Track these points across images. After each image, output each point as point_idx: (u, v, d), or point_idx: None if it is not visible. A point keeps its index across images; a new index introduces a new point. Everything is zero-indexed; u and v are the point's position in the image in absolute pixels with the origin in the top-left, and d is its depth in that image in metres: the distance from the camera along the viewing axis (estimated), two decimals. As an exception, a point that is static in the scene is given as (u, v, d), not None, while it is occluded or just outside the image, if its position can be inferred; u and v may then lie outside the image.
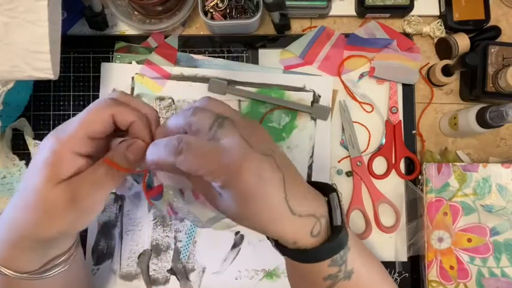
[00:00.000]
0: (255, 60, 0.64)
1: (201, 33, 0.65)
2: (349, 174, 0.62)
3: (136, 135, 0.35)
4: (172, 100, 0.62)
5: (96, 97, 0.62)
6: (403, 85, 0.63)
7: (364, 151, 0.63)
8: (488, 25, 0.63)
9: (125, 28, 0.64)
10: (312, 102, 0.62)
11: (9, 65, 0.45)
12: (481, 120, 0.56)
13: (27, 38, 0.44)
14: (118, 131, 0.36)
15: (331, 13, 0.64)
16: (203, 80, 0.62)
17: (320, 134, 0.62)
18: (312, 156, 0.61)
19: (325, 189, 0.38)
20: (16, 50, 0.44)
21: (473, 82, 0.61)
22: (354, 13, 0.65)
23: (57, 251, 0.38)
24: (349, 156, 0.62)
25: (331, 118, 0.62)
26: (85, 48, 0.63)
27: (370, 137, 0.63)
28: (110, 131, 0.35)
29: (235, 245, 0.60)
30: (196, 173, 0.31)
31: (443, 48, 0.64)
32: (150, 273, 0.59)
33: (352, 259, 0.37)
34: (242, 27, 0.62)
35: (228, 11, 0.61)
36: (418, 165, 0.61)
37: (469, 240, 0.58)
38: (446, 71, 0.61)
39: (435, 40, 0.65)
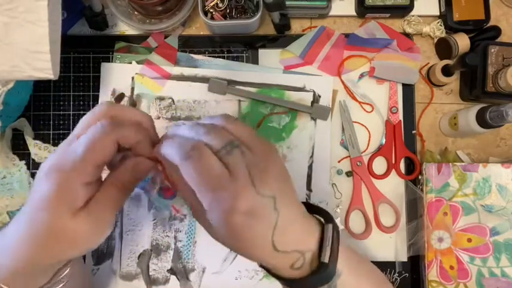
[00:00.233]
0: (255, 60, 0.64)
1: (201, 33, 0.65)
2: (349, 174, 0.62)
3: (140, 153, 0.34)
4: (172, 100, 0.62)
5: (96, 97, 0.62)
6: (403, 85, 0.63)
7: (364, 151, 0.63)
8: (488, 25, 0.63)
9: (125, 28, 0.64)
10: (312, 102, 0.62)
11: (9, 65, 0.45)
12: (481, 120, 0.56)
13: (27, 38, 0.44)
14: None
15: (331, 13, 0.64)
16: (203, 80, 0.62)
17: (320, 134, 0.62)
18: (312, 156, 0.61)
19: (324, 217, 0.37)
20: (16, 50, 0.44)
21: (473, 82, 0.61)
22: (354, 13, 0.65)
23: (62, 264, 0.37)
24: (349, 156, 0.62)
25: (331, 118, 0.62)
26: (85, 48, 0.63)
27: (370, 137, 0.63)
28: (114, 155, 0.33)
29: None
30: (191, 185, 0.30)
31: (443, 48, 0.64)
32: (150, 273, 0.59)
33: (344, 284, 0.36)
34: (242, 27, 0.62)
35: (228, 11, 0.61)
36: (418, 165, 0.61)
37: (469, 240, 0.58)
38: (446, 71, 0.61)
39: (435, 40, 0.65)
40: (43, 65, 0.45)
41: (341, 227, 0.61)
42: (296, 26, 0.65)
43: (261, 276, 0.59)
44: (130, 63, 0.62)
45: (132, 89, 0.62)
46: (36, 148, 0.60)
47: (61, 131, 0.61)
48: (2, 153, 0.59)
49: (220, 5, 0.60)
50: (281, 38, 0.64)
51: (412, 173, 0.62)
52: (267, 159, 0.32)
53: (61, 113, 0.62)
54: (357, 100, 0.63)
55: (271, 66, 0.63)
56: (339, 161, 0.62)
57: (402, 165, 0.62)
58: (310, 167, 0.61)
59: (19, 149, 0.61)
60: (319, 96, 0.62)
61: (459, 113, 0.60)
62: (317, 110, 0.61)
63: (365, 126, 0.63)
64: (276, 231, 0.32)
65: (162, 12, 0.60)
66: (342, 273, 0.36)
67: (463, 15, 0.62)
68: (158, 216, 0.60)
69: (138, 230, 0.60)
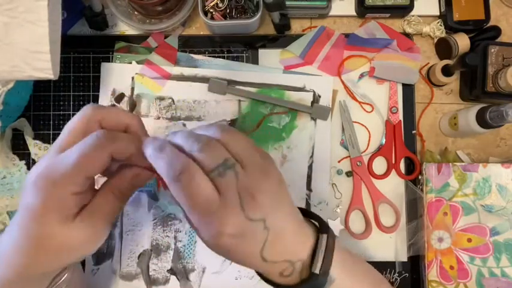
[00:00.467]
0: (255, 60, 0.64)
1: (201, 33, 0.65)
2: (349, 174, 0.62)
3: (136, 163, 0.34)
4: (172, 100, 0.62)
5: (96, 97, 0.62)
6: (403, 85, 0.63)
7: (364, 151, 0.63)
8: (488, 25, 0.63)
9: (125, 28, 0.64)
10: (312, 102, 0.62)
11: (9, 65, 0.45)
12: (481, 120, 0.56)
13: (27, 38, 0.44)
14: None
15: (331, 13, 0.64)
16: (203, 80, 0.62)
17: (320, 134, 0.62)
18: (312, 156, 0.61)
19: (320, 226, 0.37)
20: (16, 50, 0.44)
21: (473, 82, 0.61)
22: (354, 13, 0.65)
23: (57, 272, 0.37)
24: (349, 156, 0.62)
25: (331, 118, 0.62)
26: (85, 48, 0.63)
27: (370, 137, 0.63)
28: (105, 168, 0.33)
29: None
30: (181, 204, 0.30)
31: (443, 48, 0.64)
32: (150, 273, 0.59)
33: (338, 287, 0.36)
34: (242, 27, 0.62)
35: (228, 11, 0.61)
36: (418, 165, 0.61)
37: (469, 240, 0.58)
38: (446, 71, 0.61)
39: (435, 40, 0.65)
40: (43, 65, 0.45)
41: (341, 227, 0.61)
42: (296, 26, 0.65)
43: (261, 276, 0.59)
44: (131, 63, 0.62)
45: (132, 89, 0.62)
46: (36, 148, 0.60)
47: (61, 131, 0.61)
48: (2, 153, 0.59)
49: (220, 5, 0.60)
50: (281, 38, 0.64)
51: (412, 173, 0.62)
52: (261, 177, 0.31)
53: (61, 113, 0.62)
54: (357, 100, 0.63)
55: (271, 66, 0.63)
56: (339, 161, 0.62)
57: (402, 165, 0.62)
58: (310, 167, 0.61)
59: (19, 149, 0.61)
60: (319, 96, 0.62)
61: (459, 113, 0.60)
62: (317, 110, 0.61)
63: (365, 126, 0.63)
64: (265, 247, 0.32)
65: (162, 12, 0.60)
66: (335, 279, 0.35)
67: (463, 15, 0.62)
68: (158, 216, 0.60)
69: (138, 230, 0.60)
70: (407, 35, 0.64)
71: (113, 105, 0.61)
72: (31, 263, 0.32)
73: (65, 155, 0.32)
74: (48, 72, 0.45)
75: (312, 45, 0.63)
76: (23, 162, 0.60)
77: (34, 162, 0.60)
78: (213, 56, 0.63)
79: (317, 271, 0.33)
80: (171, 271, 0.59)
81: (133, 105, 0.62)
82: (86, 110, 0.34)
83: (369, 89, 0.63)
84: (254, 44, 0.64)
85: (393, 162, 0.62)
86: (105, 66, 0.62)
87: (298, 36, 0.63)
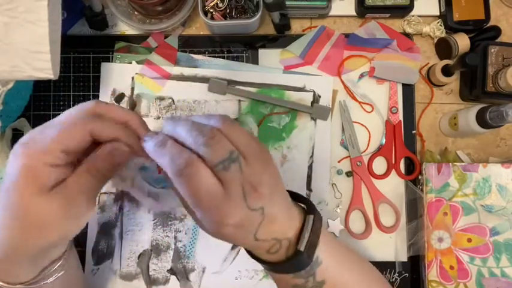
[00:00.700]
0: (255, 60, 0.64)
1: (201, 33, 0.65)
2: (349, 174, 0.62)
3: (123, 142, 0.34)
4: (172, 100, 0.62)
5: (96, 97, 0.62)
6: (403, 85, 0.63)
7: (364, 151, 0.63)
8: (488, 25, 0.63)
9: (125, 28, 0.64)
10: (312, 102, 0.62)
11: (9, 65, 0.45)
12: (481, 120, 0.56)
13: (27, 38, 0.44)
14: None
15: (331, 13, 0.64)
16: (203, 80, 0.62)
17: (320, 134, 0.62)
18: (312, 156, 0.61)
19: (308, 207, 0.38)
20: (16, 50, 0.44)
21: (473, 82, 0.61)
22: (354, 13, 0.65)
23: (51, 258, 0.37)
24: (349, 156, 0.62)
25: (331, 118, 0.62)
26: (85, 48, 0.63)
27: (370, 137, 0.63)
28: (87, 146, 0.33)
29: (236, 245, 0.59)
30: (184, 197, 0.30)
31: (443, 48, 0.64)
32: (150, 273, 0.59)
33: (324, 272, 0.37)
34: (242, 27, 0.62)
35: (228, 11, 0.61)
36: (418, 165, 0.61)
37: (469, 240, 0.58)
38: (446, 71, 0.61)
39: (435, 40, 0.65)
40: (43, 65, 0.45)
41: (341, 227, 0.61)
42: (296, 26, 0.65)
43: (261, 276, 0.59)
44: (130, 63, 0.62)
45: (132, 89, 0.62)
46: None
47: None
48: (2, 153, 0.59)
49: (220, 5, 0.60)
50: (281, 38, 0.64)
51: (412, 173, 0.62)
52: (262, 168, 0.32)
53: (61, 113, 0.62)
54: (357, 100, 0.63)
55: (271, 66, 0.63)
56: (339, 161, 0.62)
57: (402, 165, 0.62)
58: (310, 167, 0.61)
59: (19, 149, 0.61)
60: (319, 96, 0.62)
61: (459, 113, 0.60)
62: (317, 110, 0.61)
63: (365, 126, 0.63)
64: (259, 229, 0.33)
65: (162, 12, 0.60)
66: (322, 260, 0.37)
67: (463, 15, 0.62)
68: (158, 216, 0.60)
69: (138, 230, 0.60)
70: (407, 35, 0.64)
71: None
72: (12, 237, 0.32)
73: (46, 126, 0.33)
74: (48, 72, 0.45)
75: (312, 45, 0.63)
76: (23, 162, 0.60)
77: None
78: (213, 56, 0.63)
79: (302, 248, 0.35)
80: (171, 271, 0.59)
81: (133, 105, 0.62)
82: (90, 102, 0.35)
83: (369, 89, 0.63)
84: (254, 44, 0.64)
85: (393, 162, 0.62)
86: (105, 66, 0.62)
87: (298, 36, 0.63)
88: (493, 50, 0.60)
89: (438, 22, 0.64)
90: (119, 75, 0.62)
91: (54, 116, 0.61)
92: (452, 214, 0.59)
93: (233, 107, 0.62)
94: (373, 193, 0.61)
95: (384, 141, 0.62)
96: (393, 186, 0.62)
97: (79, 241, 0.59)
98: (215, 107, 0.62)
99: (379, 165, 0.62)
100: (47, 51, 0.44)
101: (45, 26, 0.43)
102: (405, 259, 0.61)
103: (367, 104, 0.63)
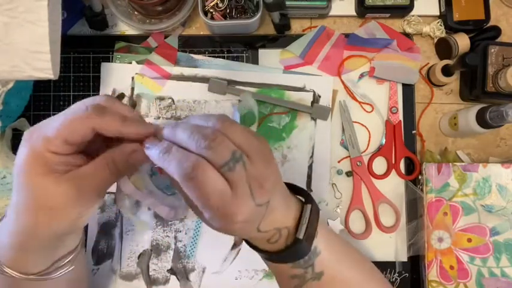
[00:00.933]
0: (255, 60, 0.64)
1: (201, 33, 0.65)
2: (349, 174, 0.62)
3: (136, 140, 0.34)
4: (172, 100, 0.62)
5: (96, 97, 0.62)
6: (403, 85, 0.63)
7: (364, 151, 0.63)
8: (488, 25, 0.63)
9: (125, 28, 0.64)
10: (312, 102, 0.62)
11: (9, 65, 0.45)
12: (481, 120, 0.56)
13: (27, 38, 0.44)
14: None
15: (331, 13, 0.64)
16: (203, 80, 0.62)
17: (320, 134, 0.62)
18: (312, 156, 0.61)
19: (305, 198, 0.39)
20: (16, 50, 0.44)
21: (473, 82, 0.61)
22: (354, 13, 0.65)
23: (64, 250, 0.38)
24: (349, 156, 0.62)
25: (331, 118, 0.62)
26: (85, 48, 0.63)
27: (370, 137, 0.63)
28: (89, 139, 0.34)
29: (235, 245, 0.60)
30: (193, 200, 0.31)
31: (443, 48, 0.64)
32: (150, 273, 0.59)
33: (323, 263, 0.38)
34: (242, 27, 0.62)
35: (228, 11, 0.61)
36: (418, 165, 0.61)
37: (469, 240, 0.58)
38: (446, 71, 0.61)
39: (435, 40, 0.65)
40: (43, 65, 0.45)
41: (341, 227, 0.61)
42: (296, 26, 0.65)
43: (261, 276, 0.59)
44: (131, 63, 0.62)
45: (132, 89, 0.62)
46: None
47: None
48: (2, 153, 0.59)
49: (220, 5, 0.60)
50: (281, 38, 0.64)
51: (412, 173, 0.62)
52: (265, 164, 0.33)
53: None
54: (357, 100, 0.63)
55: (271, 66, 0.63)
56: (339, 161, 0.62)
57: (402, 165, 0.62)
58: (310, 167, 0.61)
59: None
60: (319, 96, 0.62)
61: (459, 113, 0.60)
62: (317, 110, 0.61)
63: (365, 126, 0.63)
64: (262, 221, 0.34)
65: (162, 12, 0.60)
66: (320, 251, 0.38)
67: (463, 15, 0.62)
68: (158, 216, 0.60)
69: (138, 230, 0.60)
70: (407, 35, 0.64)
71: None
72: (26, 223, 0.33)
73: (53, 117, 0.33)
74: (48, 72, 0.45)
75: (312, 45, 0.63)
76: (23, 162, 0.60)
77: (34, 162, 0.60)
78: (213, 56, 0.63)
79: (301, 236, 0.36)
80: (171, 271, 0.59)
81: (133, 105, 0.62)
82: (98, 97, 0.35)
83: (369, 89, 0.63)
84: (254, 44, 0.64)
85: (393, 162, 0.62)
86: (105, 66, 0.62)
87: (298, 36, 0.63)
88: (493, 50, 0.60)
89: (438, 22, 0.64)
90: (119, 75, 0.62)
91: (54, 116, 0.62)
92: (452, 214, 0.59)
93: (233, 107, 0.62)
94: (373, 193, 0.61)
95: (383, 141, 0.62)
96: (393, 186, 0.62)
97: (79, 241, 0.59)
98: (215, 107, 0.62)
99: (379, 165, 0.62)
100: (47, 51, 0.44)
101: (45, 26, 0.43)
102: (405, 259, 0.61)
103: (367, 104, 0.63)
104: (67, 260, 0.38)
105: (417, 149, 0.63)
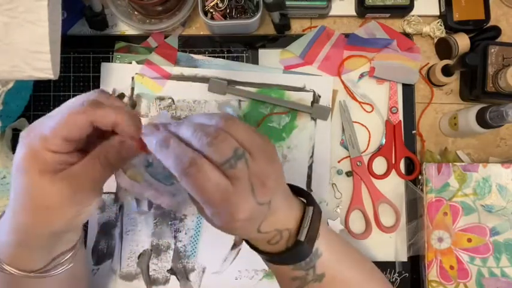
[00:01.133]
0: (255, 60, 0.64)
1: (201, 33, 0.65)
2: (349, 174, 0.62)
3: (125, 134, 0.34)
4: (172, 100, 0.62)
5: (96, 97, 0.62)
6: (403, 85, 0.63)
7: (364, 151, 0.63)
8: (488, 25, 0.63)
9: (125, 28, 0.64)
10: (312, 102, 0.62)
11: (9, 65, 0.45)
12: (481, 120, 0.56)
13: (27, 38, 0.44)
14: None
15: (331, 13, 0.64)
16: (203, 80, 0.62)
17: (320, 134, 0.62)
18: (312, 156, 0.61)
19: (307, 200, 0.39)
20: (16, 50, 0.44)
21: (473, 82, 0.61)
22: (354, 13, 0.65)
23: (63, 247, 0.38)
24: (349, 156, 0.62)
25: (331, 118, 0.62)
26: (85, 48, 0.63)
27: (370, 137, 0.63)
28: (87, 133, 0.34)
29: (235, 245, 0.60)
30: (193, 195, 0.31)
31: (443, 48, 0.64)
32: (150, 273, 0.59)
33: (324, 264, 0.38)
34: (242, 27, 0.62)
35: (228, 11, 0.61)
36: (418, 165, 0.61)
37: (469, 240, 0.58)
38: (446, 71, 0.61)
39: (435, 40, 0.65)
40: (43, 65, 0.45)
41: (341, 227, 0.61)
42: (296, 26, 0.65)
43: (261, 276, 0.59)
44: (131, 63, 0.62)
45: (132, 89, 0.62)
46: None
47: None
48: (2, 153, 0.59)
49: (220, 5, 0.60)
50: (281, 38, 0.64)
51: (412, 173, 0.62)
52: (268, 162, 0.32)
53: (61, 113, 0.62)
54: (357, 100, 0.63)
55: (271, 66, 0.63)
56: (339, 161, 0.62)
57: (402, 165, 0.62)
58: (310, 167, 0.61)
59: (19, 149, 0.61)
60: (319, 96, 0.62)
61: (459, 113, 0.60)
62: (317, 110, 0.61)
63: (365, 126, 0.63)
64: (263, 222, 0.34)
65: (162, 12, 0.60)
66: (322, 253, 0.38)
67: (463, 15, 0.62)
68: (158, 216, 0.60)
69: (138, 230, 0.60)
70: (407, 35, 0.64)
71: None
72: (24, 222, 0.33)
73: (49, 115, 0.33)
74: (48, 72, 0.45)
75: (312, 45, 0.63)
76: (23, 162, 0.60)
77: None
78: (213, 56, 0.63)
79: (302, 238, 0.36)
80: (171, 271, 0.59)
81: (133, 105, 0.62)
82: (91, 92, 0.35)
83: (369, 89, 0.63)
84: (254, 44, 0.64)
85: (393, 162, 0.62)
86: (105, 66, 0.62)
87: (298, 36, 0.63)
88: (493, 50, 0.60)
89: (438, 22, 0.64)
90: (119, 75, 0.62)
91: (54, 116, 0.61)
92: (452, 214, 0.59)
93: (233, 107, 0.62)
94: (373, 193, 0.61)
95: (383, 141, 0.62)
96: (393, 186, 0.62)
97: (79, 241, 0.59)
98: (215, 107, 0.62)
99: (379, 165, 0.62)
100: (47, 51, 0.44)
101: (45, 26, 0.43)
102: (405, 259, 0.61)
103: (367, 104, 0.63)
104: (66, 258, 0.38)
105: (417, 149, 0.63)
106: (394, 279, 0.60)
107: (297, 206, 0.38)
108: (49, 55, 0.44)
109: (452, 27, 0.63)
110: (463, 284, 0.57)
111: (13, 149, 0.61)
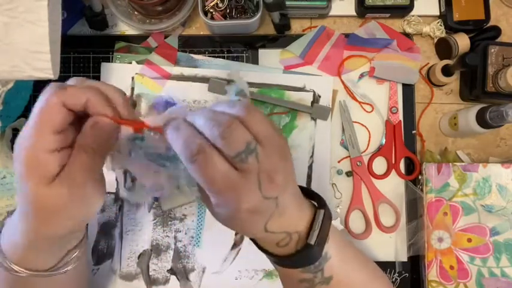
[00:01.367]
0: (255, 60, 0.64)
1: (201, 33, 0.65)
2: (349, 174, 0.62)
3: (96, 113, 0.32)
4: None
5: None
6: (403, 85, 0.63)
7: (364, 151, 0.63)
8: (488, 25, 0.63)
9: (125, 28, 0.64)
10: (312, 102, 0.62)
11: (9, 65, 0.45)
12: (481, 120, 0.56)
13: (27, 38, 0.44)
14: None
15: (331, 13, 0.64)
16: (203, 80, 0.62)
17: (320, 134, 0.62)
18: (312, 156, 0.61)
19: (318, 202, 0.39)
20: (16, 50, 0.44)
21: (473, 82, 0.61)
22: (354, 13, 0.65)
23: (71, 245, 0.39)
24: (349, 156, 0.62)
25: (331, 118, 0.62)
26: (85, 48, 0.63)
27: (370, 137, 0.63)
28: (71, 118, 0.33)
29: (235, 245, 0.60)
30: (199, 182, 0.31)
31: (443, 48, 0.64)
32: (150, 273, 0.59)
33: (332, 267, 0.37)
34: (242, 27, 0.62)
35: (228, 11, 0.61)
36: (418, 165, 0.61)
37: (469, 240, 0.58)
38: (446, 71, 0.61)
39: (435, 40, 0.65)
40: (43, 65, 0.45)
41: (341, 227, 0.61)
42: (296, 26, 0.65)
43: (261, 276, 0.59)
44: (131, 63, 0.62)
45: (132, 89, 0.62)
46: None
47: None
48: (2, 153, 0.59)
49: (220, 5, 0.60)
50: (281, 38, 0.64)
51: (412, 173, 0.62)
52: (279, 158, 0.32)
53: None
54: (357, 100, 0.63)
55: (271, 66, 0.63)
56: (339, 161, 0.62)
57: (402, 165, 0.62)
58: (310, 167, 0.61)
59: (19, 149, 0.61)
60: (319, 96, 0.62)
61: (459, 113, 0.60)
62: (317, 110, 0.61)
63: (365, 126, 0.63)
64: (271, 220, 0.33)
65: (162, 12, 0.60)
66: (331, 256, 0.37)
67: (463, 15, 0.62)
68: (158, 216, 0.60)
69: (138, 230, 0.60)
70: (407, 35, 0.64)
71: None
72: (32, 226, 0.34)
73: (29, 118, 0.33)
74: (48, 72, 0.45)
75: (312, 45, 0.63)
76: (23, 162, 0.60)
77: (34, 162, 0.60)
78: (213, 56, 0.63)
79: (313, 242, 0.35)
80: (171, 271, 0.59)
81: (133, 105, 0.62)
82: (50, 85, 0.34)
83: (369, 89, 0.63)
84: (254, 44, 0.64)
85: (393, 162, 0.62)
86: (105, 66, 0.62)
87: (298, 36, 0.63)
88: (493, 50, 0.60)
89: (438, 22, 0.64)
90: (119, 75, 0.62)
91: (54, 116, 0.61)
92: (452, 214, 0.59)
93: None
94: (373, 193, 0.61)
95: (383, 141, 0.62)
96: (393, 186, 0.62)
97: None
98: (215, 107, 0.62)
99: (379, 165, 0.62)
100: (47, 51, 0.44)
101: (45, 26, 0.43)
102: (405, 259, 0.61)
103: (367, 104, 0.63)
104: (74, 255, 0.39)
105: (417, 149, 0.63)
106: (394, 279, 0.60)
107: (308, 209, 0.37)
108: (49, 55, 0.44)
109: (452, 27, 0.63)
110: (463, 284, 0.57)
111: (13, 148, 0.61)
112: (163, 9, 0.60)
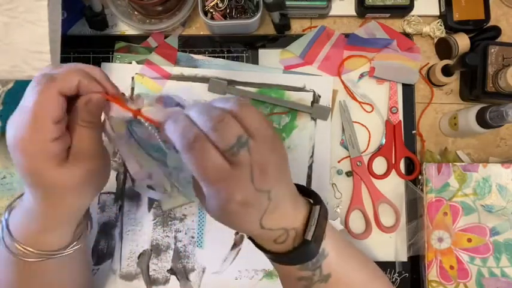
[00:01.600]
0: (255, 60, 0.64)
1: (201, 33, 0.65)
2: (349, 174, 0.62)
3: (88, 91, 0.34)
4: (172, 100, 0.62)
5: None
6: (403, 85, 0.63)
7: (364, 151, 0.63)
8: (488, 25, 0.63)
9: (125, 28, 0.64)
10: (312, 102, 0.62)
11: (9, 65, 0.45)
12: (481, 120, 0.56)
13: (27, 38, 0.44)
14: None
15: (331, 13, 0.64)
16: (203, 80, 0.62)
17: (320, 134, 0.62)
18: (312, 156, 0.61)
19: (314, 199, 0.39)
20: (16, 50, 0.44)
21: (473, 82, 0.61)
22: (354, 13, 0.65)
23: (81, 219, 0.41)
24: (349, 156, 0.62)
25: (331, 118, 0.62)
26: (85, 48, 0.63)
27: (370, 137, 0.63)
28: (66, 104, 0.34)
29: (235, 245, 0.60)
30: (192, 170, 0.31)
31: (443, 48, 0.64)
32: (150, 273, 0.59)
33: (330, 265, 0.38)
34: (242, 27, 0.62)
35: (228, 11, 0.61)
36: (418, 165, 0.61)
37: (469, 240, 0.58)
38: (446, 71, 0.61)
39: (435, 40, 0.65)
40: (43, 65, 0.45)
41: (341, 227, 0.61)
42: (296, 26, 0.65)
43: (261, 276, 0.59)
44: (130, 63, 0.62)
45: (132, 89, 0.62)
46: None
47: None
48: (2, 154, 0.59)
49: (220, 5, 0.60)
50: (281, 38, 0.64)
51: (412, 173, 0.62)
52: (271, 151, 0.32)
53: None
54: (357, 100, 0.63)
55: (271, 66, 0.63)
56: (339, 161, 0.62)
57: (402, 165, 0.62)
58: (310, 167, 0.61)
59: (19, 149, 0.61)
60: (319, 96, 0.62)
61: (459, 113, 0.60)
62: (317, 110, 0.61)
63: (365, 126, 0.63)
64: (265, 215, 0.34)
65: (162, 12, 0.61)
66: (328, 253, 0.37)
67: (463, 15, 0.62)
68: (158, 216, 0.60)
69: (138, 230, 0.60)
70: (407, 35, 0.64)
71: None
72: (52, 209, 0.36)
73: (22, 111, 0.33)
74: (48, 72, 0.45)
75: (312, 45, 0.63)
76: (23, 162, 0.60)
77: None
78: (213, 56, 0.63)
79: (309, 238, 0.35)
80: (171, 271, 0.59)
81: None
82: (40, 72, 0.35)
83: (369, 89, 0.63)
84: (254, 44, 0.64)
85: (393, 162, 0.62)
86: (105, 66, 0.62)
87: (298, 36, 0.63)
88: (493, 50, 0.60)
89: (438, 22, 0.64)
90: (119, 75, 0.62)
91: (54, 116, 0.61)
92: (452, 214, 0.59)
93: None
94: (373, 193, 0.61)
95: (383, 141, 0.62)
96: (393, 186, 0.62)
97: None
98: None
99: (379, 165, 0.62)
100: (47, 51, 0.44)
101: (45, 26, 0.44)
102: (405, 259, 0.61)
103: (367, 104, 0.63)
104: (80, 236, 0.41)
105: (417, 149, 0.63)
106: (394, 279, 0.60)
107: (304, 205, 0.38)
108: (49, 55, 0.44)
109: (452, 27, 0.63)
110: (463, 284, 0.57)
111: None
112: (163, 9, 0.60)
